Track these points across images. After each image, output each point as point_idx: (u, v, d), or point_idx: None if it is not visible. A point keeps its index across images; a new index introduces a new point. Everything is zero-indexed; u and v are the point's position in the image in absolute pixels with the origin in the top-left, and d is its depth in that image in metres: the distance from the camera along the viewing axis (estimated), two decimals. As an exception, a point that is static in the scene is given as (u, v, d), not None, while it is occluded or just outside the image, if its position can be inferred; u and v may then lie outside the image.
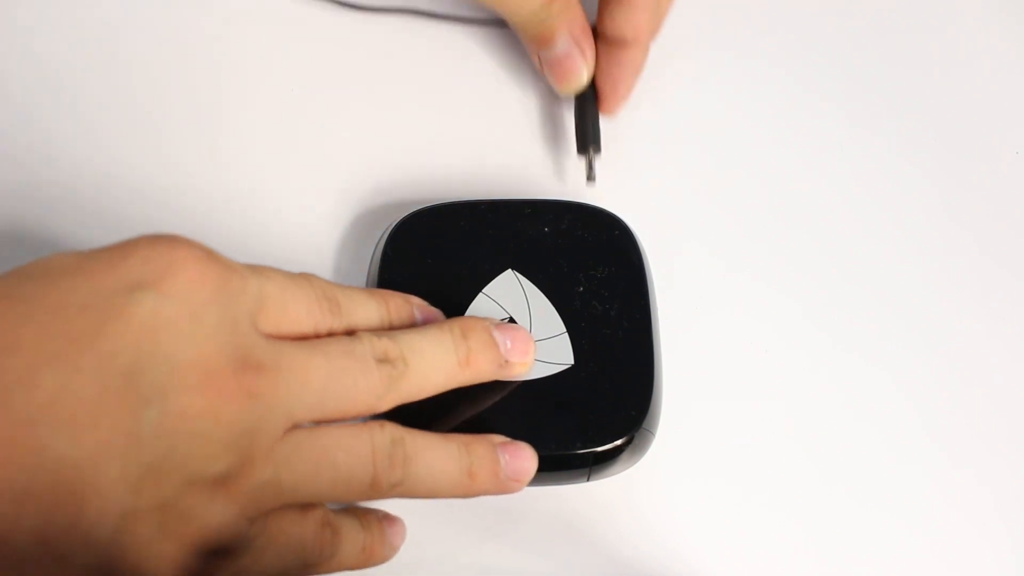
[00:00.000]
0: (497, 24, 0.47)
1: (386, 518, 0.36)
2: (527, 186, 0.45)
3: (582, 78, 0.44)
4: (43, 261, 0.29)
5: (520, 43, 0.46)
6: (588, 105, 0.44)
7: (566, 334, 0.39)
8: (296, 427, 0.31)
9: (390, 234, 0.40)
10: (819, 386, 0.42)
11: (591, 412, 0.38)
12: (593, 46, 0.44)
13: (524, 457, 0.35)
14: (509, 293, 0.39)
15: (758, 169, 0.47)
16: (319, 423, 0.31)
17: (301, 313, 0.32)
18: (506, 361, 0.36)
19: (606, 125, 0.45)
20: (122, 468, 0.27)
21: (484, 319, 0.36)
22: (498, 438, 0.35)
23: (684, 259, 0.44)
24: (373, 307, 0.35)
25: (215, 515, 0.29)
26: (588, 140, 0.44)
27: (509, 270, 0.40)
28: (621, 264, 0.40)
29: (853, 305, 0.44)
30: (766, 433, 0.41)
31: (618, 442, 0.37)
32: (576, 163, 0.45)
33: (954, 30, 0.51)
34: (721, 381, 0.42)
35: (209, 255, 0.30)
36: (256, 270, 0.31)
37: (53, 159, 0.44)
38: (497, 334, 0.36)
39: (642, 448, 0.38)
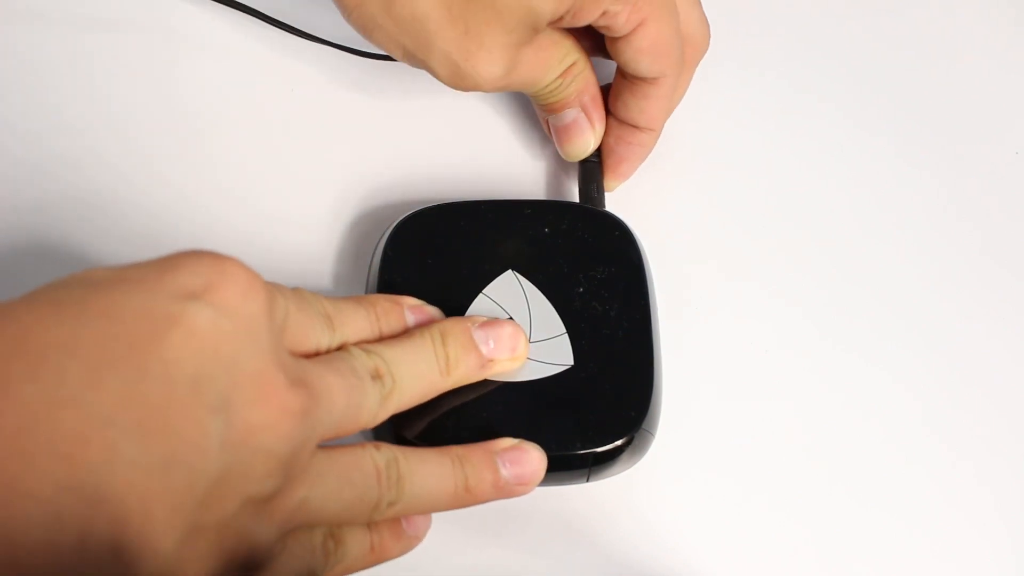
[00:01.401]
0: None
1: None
2: (527, 187, 0.45)
3: (588, 147, 0.43)
4: (82, 273, 0.28)
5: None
6: (593, 170, 0.44)
7: (566, 335, 0.39)
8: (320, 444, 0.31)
9: (390, 234, 0.40)
10: (819, 386, 0.42)
11: (591, 412, 0.37)
12: (603, 116, 0.43)
13: (527, 461, 0.35)
14: (509, 294, 0.39)
15: (757, 169, 0.47)
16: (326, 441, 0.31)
17: (308, 333, 0.32)
18: (489, 360, 0.36)
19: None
20: (190, 479, 0.26)
21: (466, 320, 0.36)
22: (502, 443, 0.35)
23: (684, 260, 0.44)
24: (362, 317, 0.35)
25: (261, 535, 0.29)
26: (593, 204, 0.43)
27: (509, 271, 0.40)
28: (621, 265, 0.40)
29: (853, 305, 0.44)
30: (766, 433, 0.41)
31: (618, 443, 0.37)
32: (575, 165, 0.45)
33: (954, 30, 0.51)
34: (721, 381, 0.42)
35: (251, 270, 0.29)
36: (278, 287, 0.31)
37: (54, 171, 0.44)
38: (479, 334, 0.36)
39: (642, 448, 0.38)
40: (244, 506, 0.28)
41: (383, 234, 0.41)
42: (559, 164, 0.46)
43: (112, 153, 0.44)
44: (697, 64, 0.44)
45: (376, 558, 0.34)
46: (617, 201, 0.43)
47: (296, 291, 0.33)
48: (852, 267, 0.45)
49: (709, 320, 0.43)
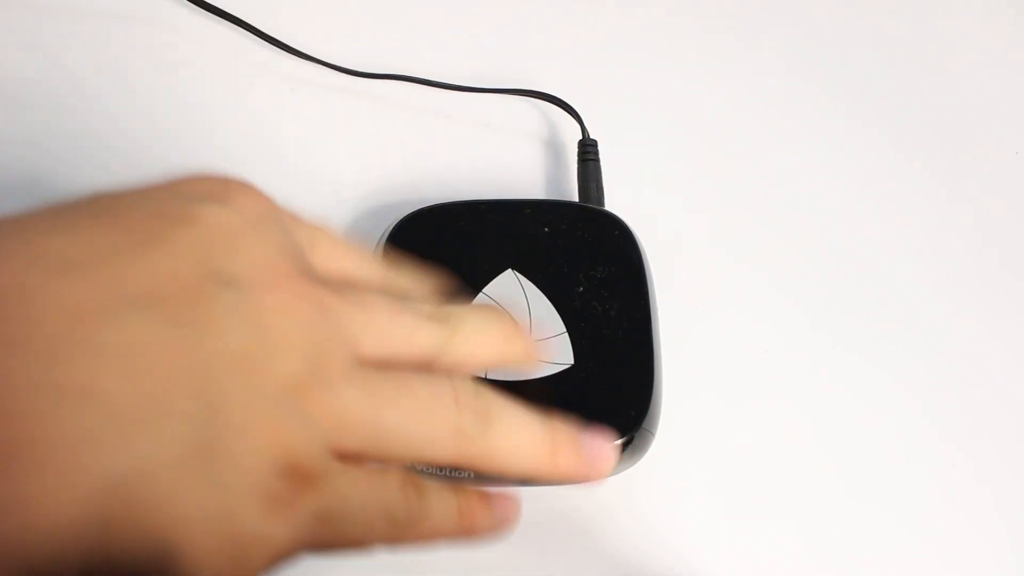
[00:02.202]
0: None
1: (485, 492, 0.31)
2: (526, 186, 0.45)
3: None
4: (90, 194, 0.27)
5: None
6: (593, 169, 0.44)
7: (566, 334, 0.39)
8: (365, 361, 0.27)
9: (390, 235, 0.40)
10: (819, 386, 0.42)
11: (591, 412, 0.37)
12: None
13: (604, 443, 0.31)
14: (509, 293, 0.39)
15: (758, 169, 0.47)
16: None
17: (349, 264, 0.30)
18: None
19: (604, 126, 0.45)
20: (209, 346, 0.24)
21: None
22: (572, 420, 0.31)
23: (684, 259, 0.44)
24: (419, 282, 0.32)
25: (303, 432, 0.25)
26: None
27: (509, 270, 0.40)
28: (621, 264, 0.40)
29: (853, 305, 0.44)
30: (766, 433, 0.41)
31: (618, 442, 0.37)
32: (575, 164, 0.45)
33: (955, 30, 0.51)
34: (721, 381, 0.42)
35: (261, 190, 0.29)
36: (307, 218, 0.30)
37: (49, 169, 0.44)
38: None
39: (642, 448, 0.38)
40: (266, 389, 0.25)
41: (382, 235, 0.41)
42: (558, 164, 0.46)
43: (111, 152, 0.44)
44: None
45: (466, 527, 0.30)
46: (617, 200, 0.43)
47: (343, 238, 0.31)
48: (852, 267, 0.45)
49: (709, 320, 0.43)
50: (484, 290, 0.39)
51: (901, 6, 0.51)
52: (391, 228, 0.40)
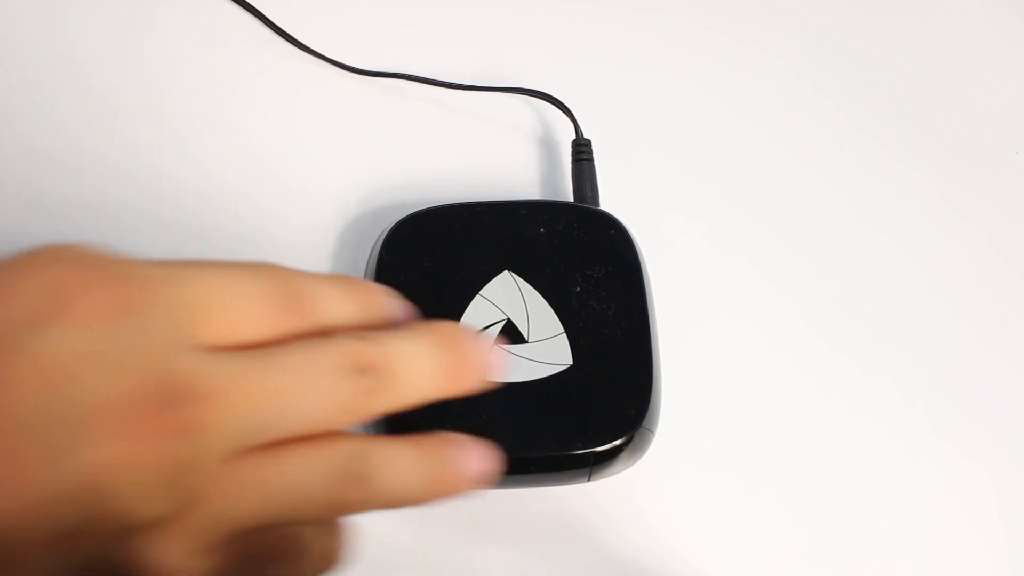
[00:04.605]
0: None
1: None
2: (522, 187, 0.45)
3: None
4: None
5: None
6: (588, 169, 0.44)
7: (564, 335, 0.38)
8: (248, 451, 0.26)
9: (386, 237, 0.40)
10: (819, 385, 0.42)
11: (591, 412, 0.37)
12: None
13: (482, 455, 0.30)
14: (506, 294, 0.39)
15: (755, 169, 0.47)
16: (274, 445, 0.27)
17: (252, 314, 0.27)
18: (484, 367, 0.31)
19: (598, 125, 0.45)
20: (45, 534, 0.23)
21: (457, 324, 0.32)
22: (459, 437, 0.30)
23: (681, 258, 0.44)
24: (348, 303, 0.30)
25: (161, 556, 0.25)
26: None
27: (506, 271, 0.40)
28: (618, 264, 0.40)
29: (852, 305, 0.44)
30: (766, 432, 0.41)
31: (618, 442, 0.37)
32: (569, 164, 0.45)
33: (955, 30, 0.51)
34: (720, 380, 0.42)
35: (109, 270, 0.25)
36: (182, 270, 0.27)
37: (46, 169, 0.44)
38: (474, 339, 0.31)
39: (642, 447, 0.38)
40: (121, 538, 0.24)
41: (379, 237, 0.41)
42: (553, 164, 0.46)
43: (109, 152, 0.44)
44: None
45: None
46: (612, 200, 0.43)
47: (253, 265, 0.28)
48: (852, 267, 0.45)
49: (708, 319, 0.43)
50: (481, 292, 0.39)
51: (900, 6, 0.51)
52: (387, 231, 0.40)
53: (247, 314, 0.27)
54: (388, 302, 0.31)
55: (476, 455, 0.30)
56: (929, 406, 0.42)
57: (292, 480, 0.27)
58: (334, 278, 0.30)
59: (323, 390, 0.27)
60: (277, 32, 0.46)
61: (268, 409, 0.26)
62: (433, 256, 0.40)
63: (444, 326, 0.31)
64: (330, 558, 0.29)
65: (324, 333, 0.28)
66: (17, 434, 0.23)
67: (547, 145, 0.45)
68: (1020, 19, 0.51)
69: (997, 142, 0.49)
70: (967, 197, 0.47)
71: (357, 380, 0.27)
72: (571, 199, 0.44)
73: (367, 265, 0.40)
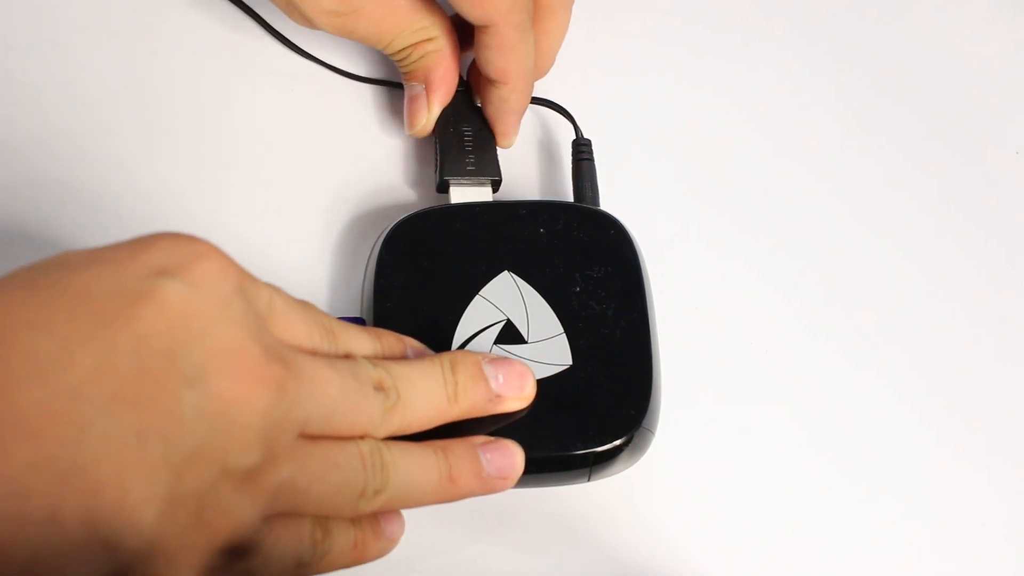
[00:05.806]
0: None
1: (380, 513, 0.35)
2: (521, 187, 0.45)
3: (420, 126, 0.43)
4: (56, 257, 0.28)
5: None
6: (588, 169, 0.44)
7: (564, 335, 0.38)
8: (304, 435, 0.30)
9: (385, 238, 0.40)
10: (819, 384, 0.42)
11: (591, 412, 0.37)
12: (445, 99, 0.43)
13: (508, 454, 0.35)
14: (506, 295, 0.39)
15: (755, 167, 0.47)
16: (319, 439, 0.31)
17: (301, 331, 0.32)
18: (497, 396, 0.35)
19: (598, 125, 0.45)
20: (165, 450, 0.26)
21: (477, 353, 0.36)
22: (479, 439, 0.35)
23: (681, 258, 0.44)
24: (366, 340, 0.35)
25: (244, 511, 0.28)
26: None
27: (505, 272, 0.40)
28: (617, 263, 0.40)
29: (852, 304, 0.44)
30: (766, 432, 0.41)
31: (618, 442, 0.37)
32: (569, 165, 0.45)
33: (955, 29, 0.51)
34: (720, 380, 0.42)
35: (226, 255, 0.30)
36: (263, 282, 0.32)
37: (53, 162, 0.44)
38: (488, 368, 0.35)
39: (642, 447, 0.38)
40: (223, 479, 0.27)
41: (379, 237, 0.41)
42: (552, 164, 0.46)
43: (109, 152, 0.44)
44: (555, 14, 0.42)
45: (358, 556, 0.33)
46: (612, 199, 0.43)
47: (294, 299, 0.33)
48: (851, 266, 0.45)
49: (708, 318, 0.43)
50: (481, 292, 0.39)
51: (899, 6, 0.51)
52: (386, 232, 0.40)
53: (299, 330, 0.32)
54: (400, 345, 0.36)
55: (498, 454, 0.34)
56: (929, 406, 0.42)
57: (337, 458, 0.31)
58: (356, 325, 0.36)
59: (362, 397, 0.32)
60: (278, 38, 0.46)
61: (329, 400, 0.31)
62: (433, 256, 0.40)
63: (450, 354, 0.35)
64: (359, 550, 0.33)
65: (348, 356, 0.33)
66: (150, 358, 0.26)
67: (547, 145, 0.45)
68: (1021, 19, 0.51)
69: (997, 142, 0.49)
70: (967, 197, 0.47)
71: (378, 396, 0.32)
72: (571, 199, 0.44)
73: (367, 265, 0.41)
